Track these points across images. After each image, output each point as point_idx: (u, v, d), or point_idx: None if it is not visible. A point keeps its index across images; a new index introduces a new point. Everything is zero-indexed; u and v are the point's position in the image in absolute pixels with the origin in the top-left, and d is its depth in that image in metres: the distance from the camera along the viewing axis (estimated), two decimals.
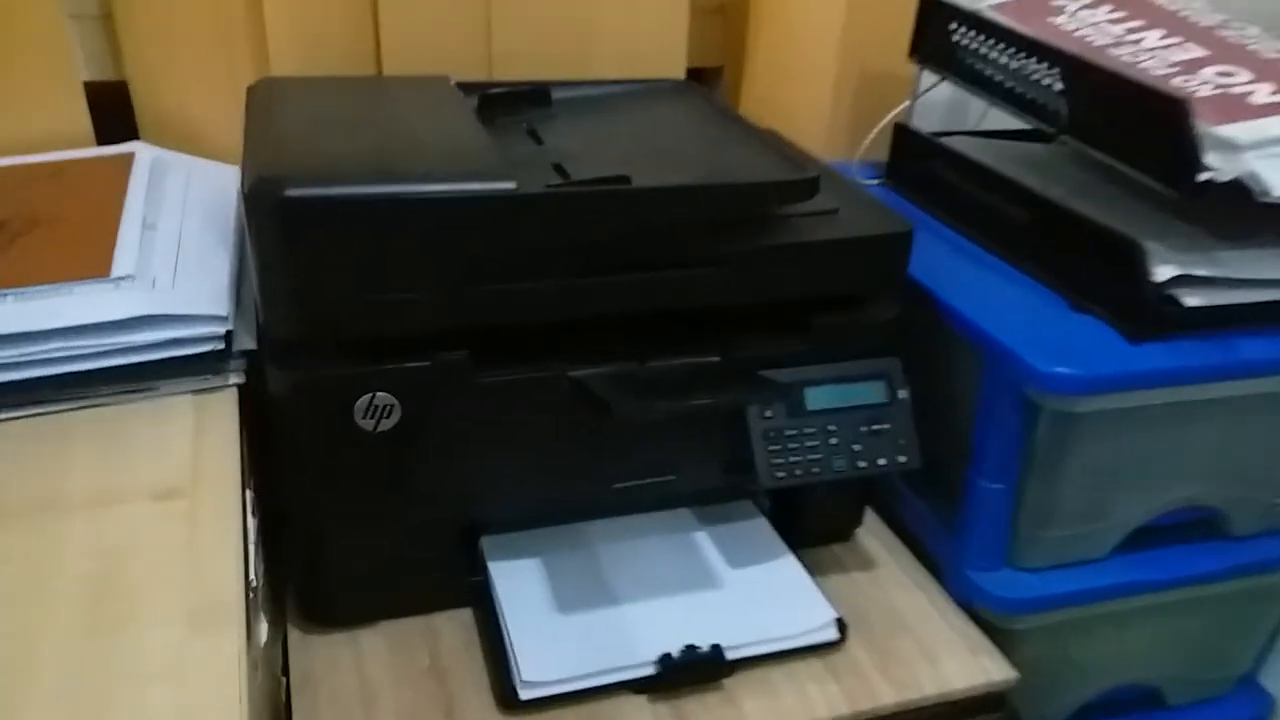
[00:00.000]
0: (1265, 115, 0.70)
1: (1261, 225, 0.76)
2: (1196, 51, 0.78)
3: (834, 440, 0.73)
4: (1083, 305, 0.76)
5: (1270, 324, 0.74)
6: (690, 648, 0.70)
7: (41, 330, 0.64)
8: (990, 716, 0.76)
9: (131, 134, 0.92)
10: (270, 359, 0.65)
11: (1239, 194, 0.68)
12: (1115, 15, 0.84)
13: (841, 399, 0.73)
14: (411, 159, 0.66)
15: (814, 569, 0.79)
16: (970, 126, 1.01)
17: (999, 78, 0.83)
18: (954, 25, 0.88)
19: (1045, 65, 0.78)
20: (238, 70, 0.92)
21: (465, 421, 0.68)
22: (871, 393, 0.74)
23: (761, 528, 0.82)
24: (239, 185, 0.61)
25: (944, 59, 0.90)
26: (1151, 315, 0.72)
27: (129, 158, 0.85)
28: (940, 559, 0.83)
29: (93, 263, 0.69)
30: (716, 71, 1.15)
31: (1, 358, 0.64)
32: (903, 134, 0.95)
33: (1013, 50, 0.81)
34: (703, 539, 0.80)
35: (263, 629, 0.65)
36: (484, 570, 0.76)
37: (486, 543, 0.77)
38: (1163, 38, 0.80)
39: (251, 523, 0.65)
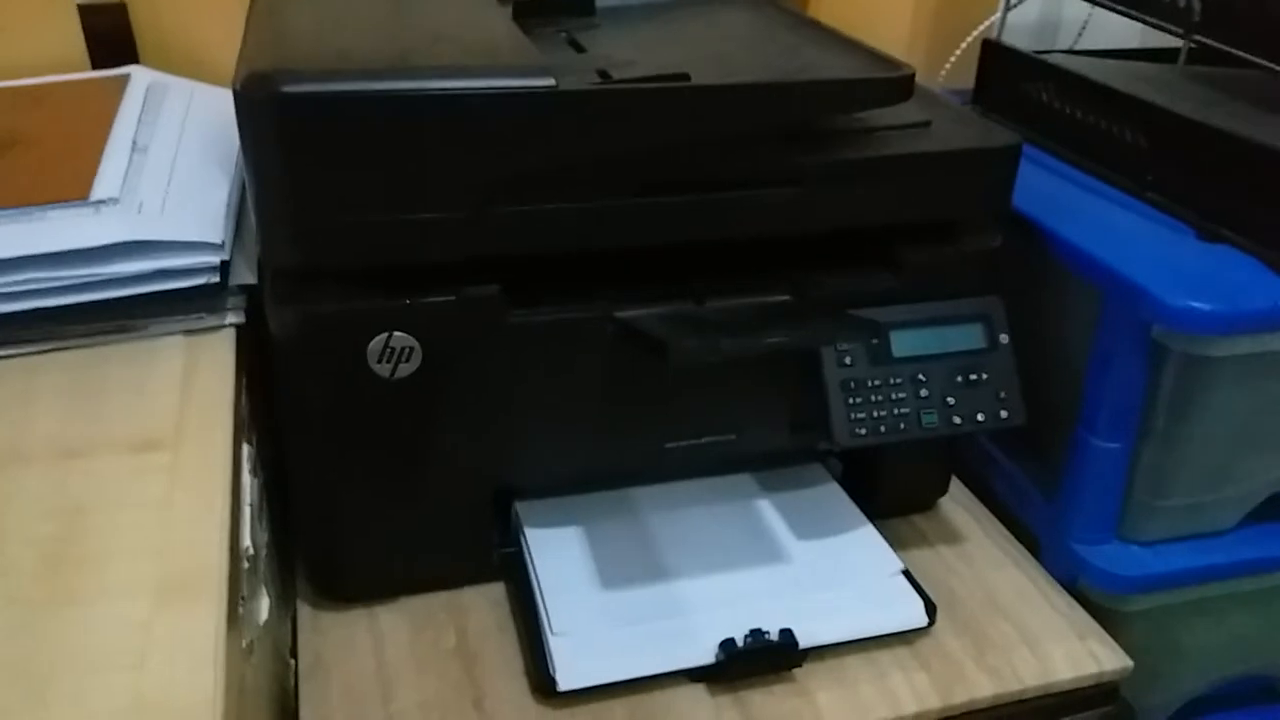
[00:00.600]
0: None
1: None
2: None
3: (924, 392, 0.63)
4: (1216, 234, 0.66)
5: None
6: (757, 632, 0.60)
7: (6, 259, 0.55)
8: (1101, 710, 0.66)
9: (131, 59, 0.83)
10: (269, 293, 0.56)
11: None
12: None
13: (933, 344, 0.63)
14: (432, 53, 0.56)
15: (894, 543, 0.69)
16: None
17: None
18: None
19: None
20: None
21: (496, 367, 0.59)
22: (968, 337, 0.64)
23: (835, 494, 0.72)
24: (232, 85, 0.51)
25: None
26: None
27: (123, 80, 0.76)
28: (1038, 531, 0.73)
29: (71, 185, 0.60)
30: None
31: None
32: (993, 51, 0.84)
33: None
34: (767, 508, 0.71)
35: (264, 605, 0.56)
36: (518, 540, 0.66)
37: (521, 509, 0.68)
38: None
39: (250, 482, 0.56)
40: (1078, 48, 0.89)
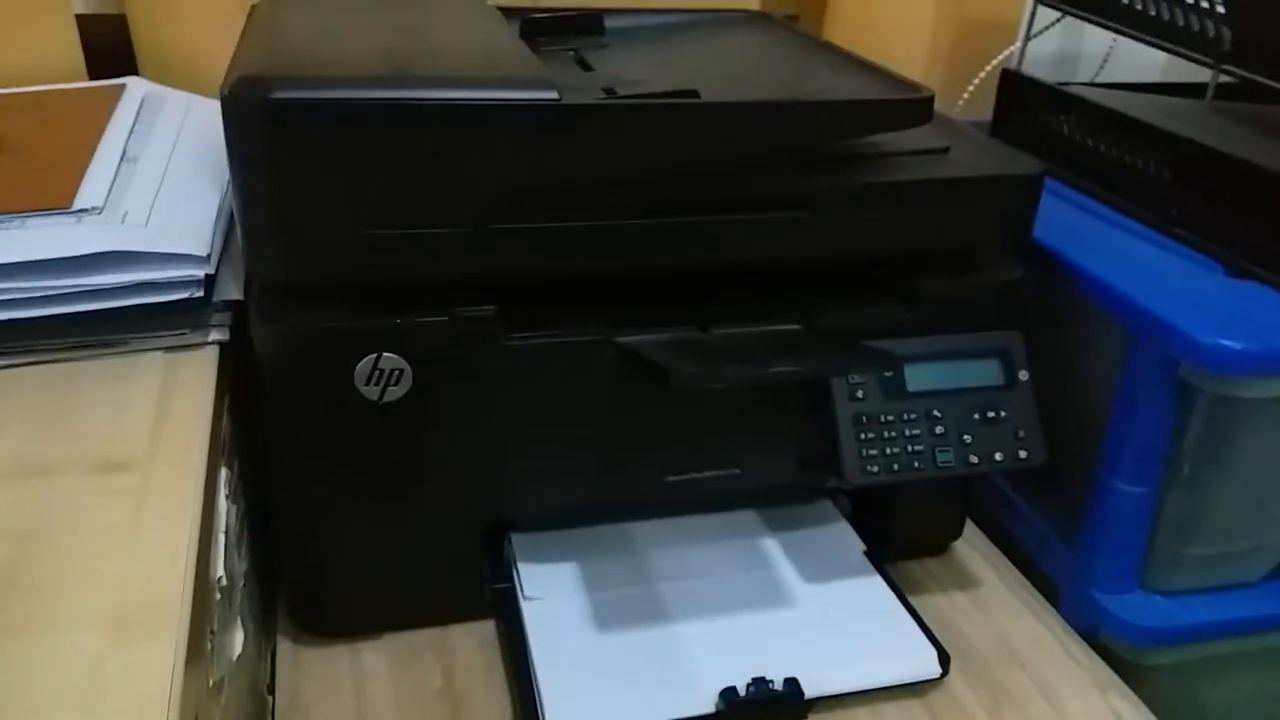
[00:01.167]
0: None
1: None
2: None
3: (940, 429, 0.60)
4: (1246, 270, 0.63)
5: None
6: (760, 681, 0.57)
7: None
8: None
9: (130, 71, 0.81)
10: (254, 308, 0.54)
11: None
12: None
13: (950, 379, 0.60)
14: (431, 63, 0.54)
15: (906, 588, 0.65)
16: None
17: (1138, 3, 0.69)
18: None
19: None
20: (244, 1, 0.82)
21: (490, 392, 0.56)
22: (987, 373, 0.61)
23: (844, 533, 0.69)
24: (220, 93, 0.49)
25: None
26: None
27: (118, 90, 0.74)
28: (1057, 578, 0.70)
29: (54, 194, 0.58)
30: (790, 20, 1.03)
31: None
32: (1013, 82, 0.81)
33: None
34: (772, 547, 0.67)
35: (237, 639, 0.53)
36: (510, 576, 0.63)
37: (514, 543, 0.65)
38: None
39: (226, 508, 0.53)
40: (1098, 81, 0.87)
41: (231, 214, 0.65)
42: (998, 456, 0.60)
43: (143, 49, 0.83)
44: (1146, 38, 0.69)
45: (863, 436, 0.59)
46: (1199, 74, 0.72)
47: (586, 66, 0.65)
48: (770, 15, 0.78)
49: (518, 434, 0.58)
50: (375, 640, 0.62)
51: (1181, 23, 0.66)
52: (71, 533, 0.43)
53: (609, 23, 0.73)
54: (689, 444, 0.61)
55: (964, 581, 0.70)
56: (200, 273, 0.56)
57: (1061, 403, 0.65)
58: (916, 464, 0.59)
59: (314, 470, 0.56)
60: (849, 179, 0.57)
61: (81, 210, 0.57)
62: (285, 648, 0.62)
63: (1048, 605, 0.69)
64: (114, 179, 0.61)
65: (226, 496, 0.54)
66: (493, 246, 0.52)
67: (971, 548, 0.73)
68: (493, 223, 0.52)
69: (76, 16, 0.81)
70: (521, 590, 0.62)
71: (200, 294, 0.57)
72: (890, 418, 0.60)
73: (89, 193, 0.59)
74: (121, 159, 0.64)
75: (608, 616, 0.61)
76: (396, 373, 0.54)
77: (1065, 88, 0.80)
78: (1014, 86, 0.82)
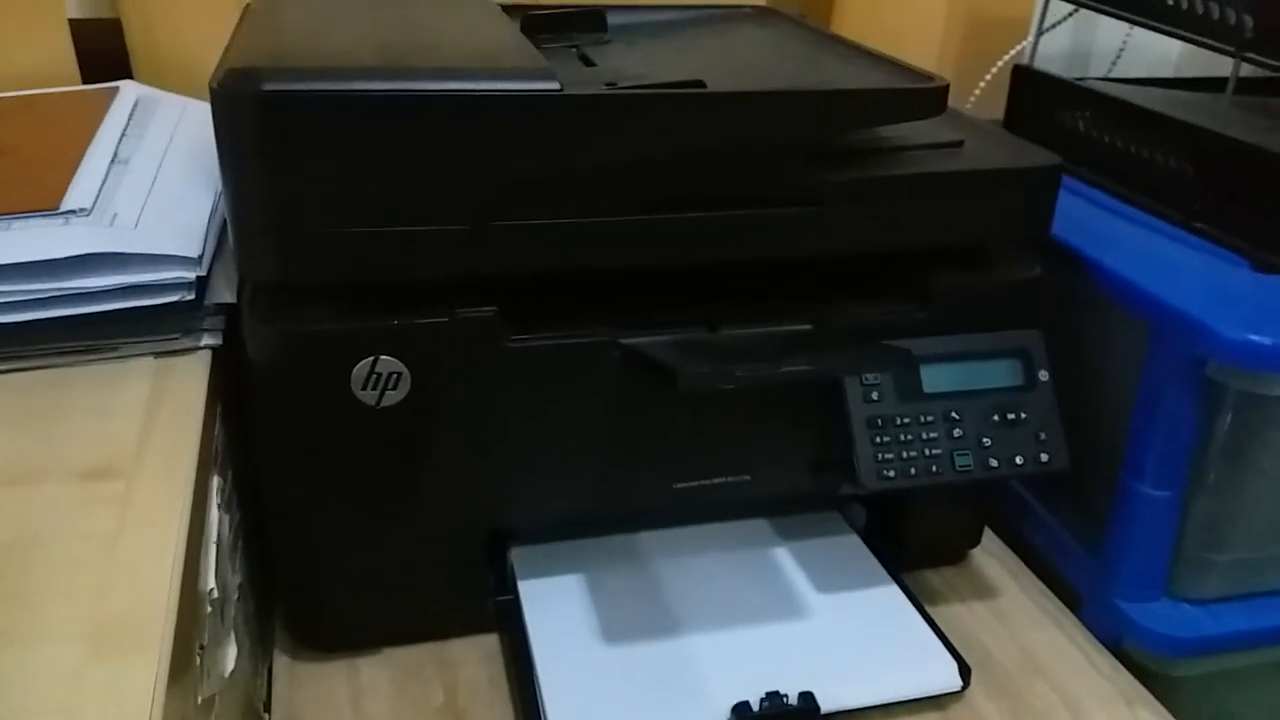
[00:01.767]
0: None
1: None
2: None
3: (957, 432, 0.58)
4: (1272, 265, 0.61)
5: None
6: (774, 695, 0.54)
7: None
8: None
9: (125, 75, 0.80)
10: (246, 310, 0.52)
11: None
12: None
13: (968, 380, 0.58)
14: (427, 55, 0.52)
15: (923, 598, 0.63)
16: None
17: None
18: None
19: None
20: (240, 4, 0.80)
21: (491, 396, 0.54)
22: (1006, 373, 0.59)
23: (854, 545, 0.67)
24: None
25: None
26: None
27: (111, 93, 0.72)
28: (1080, 586, 0.68)
29: (42, 196, 0.56)
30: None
31: None
32: (1025, 77, 0.80)
33: None
34: (784, 556, 0.65)
35: (230, 654, 0.51)
36: (514, 588, 0.61)
37: (516, 555, 0.63)
38: None
39: (218, 517, 0.51)
40: (1111, 76, 0.85)
41: (224, 215, 0.63)
42: (1018, 460, 0.58)
43: (137, 53, 0.81)
44: (1164, 27, 0.67)
45: (878, 440, 0.57)
46: (1214, 69, 0.71)
47: (589, 62, 0.63)
48: (777, 10, 0.76)
49: (520, 439, 0.56)
50: (374, 655, 0.60)
51: (1201, 11, 0.64)
52: (54, 542, 0.41)
53: (612, 19, 0.71)
54: (698, 450, 0.59)
55: (983, 591, 0.68)
56: (191, 275, 0.54)
57: (1083, 404, 0.63)
58: (934, 468, 0.57)
59: (309, 478, 0.54)
60: (861, 173, 0.55)
61: (69, 211, 0.55)
62: (282, 663, 0.60)
63: (1070, 615, 0.67)
64: (104, 181, 0.59)
65: (219, 506, 0.52)
66: (493, 244, 0.50)
67: (990, 555, 0.71)
68: (493, 220, 0.50)
69: (70, 20, 0.80)
70: (525, 603, 0.60)
71: (191, 297, 0.55)
72: (906, 420, 0.57)
73: (77, 194, 0.57)
74: (112, 161, 0.62)
75: (615, 630, 0.59)
76: (394, 376, 0.52)
77: (1081, 83, 0.78)
78: (1027, 82, 0.80)
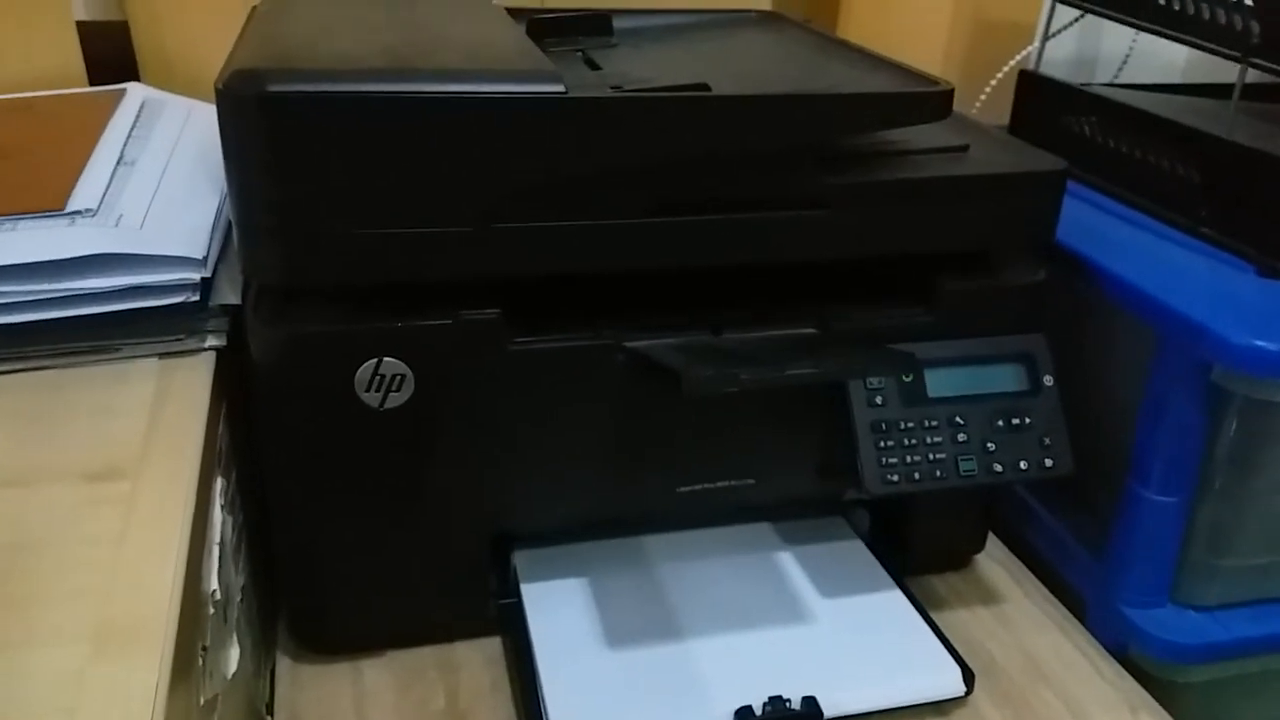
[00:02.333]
0: None
1: None
2: None
3: (962, 437, 0.58)
4: (1278, 270, 0.61)
5: None
6: (776, 700, 0.54)
7: None
8: None
9: (132, 78, 0.80)
10: (250, 312, 0.52)
11: None
12: None
13: (972, 385, 0.58)
14: (433, 58, 0.52)
15: (927, 603, 0.63)
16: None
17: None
18: None
19: None
20: (247, 7, 0.81)
21: (494, 398, 0.54)
22: (1010, 378, 0.59)
23: (858, 550, 0.66)
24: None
25: None
26: None
27: (118, 95, 0.73)
28: (1084, 592, 0.67)
29: (47, 196, 0.57)
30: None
31: None
32: (1031, 82, 0.79)
33: None
34: (788, 561, 0.65)
35: (232, 655, 0.51)
36: (517, 591, 0.61)
37: (519, 558, 0.63)
38: None
39: (222, 519, 0.51)
40: (1117, 82, 0.85)
41: (229, 217, 0.63)
42: (1023, 465, 0.58)
43: (143, 55, 0.81)
44: (1170, 33, 0.67)
45: (882, 444, 0.57)
46: (1220, 76, 0.71)
47: (594, 66, 0.63)
48: (782, 15, 0.76)
49: (524, 442, 0.56)
50: (377, 658, 0.60)
51: (1207, 17, 0.64)
52: (57, 543, 0.41)
53: (617, 23, 0.71)
54: (701, 453, 0.59)
55: (987, 596, 0.68)
56: (196, 276, 0.55)
57: (1087, 409, 0.62)
58: (938, 473, 0.57)
59: (312, 480, 0.54)
60: (866, 177, 0.55)
61: (75, 212, 0.55)
62: (285, 665, 0.60)
63: (1075, 621, 0.66)
64: (110, 182, 0.59)
65: (222, 507, 0.52)
66: (497, 246, 0.50)
67: (994, 561, 0.71)
68: (497, 222, 0.50)
69: (77, 23, 0.80)
70: (528, 606, 0.60)
71: (196, 298, 0.55)
72: (910, 425, 0.57)
73: (83, 195, 0.57)
74: (118, 162, 0.62)
75: (618, 633, 0.59)
76: (398, 378, 0.52)
77: (1086, 88, 0.78)
78: (1032, 87, 0.80)
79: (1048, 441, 0.59)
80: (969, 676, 0.58)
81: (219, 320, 0.56)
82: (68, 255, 0.52)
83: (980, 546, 0.69)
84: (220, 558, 0.50)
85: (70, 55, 0.79)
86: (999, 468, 0.58)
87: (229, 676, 0.49)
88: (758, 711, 0.54)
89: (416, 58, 0.51)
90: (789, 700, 0.54)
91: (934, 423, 0.58)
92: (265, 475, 0.56)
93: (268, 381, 0.53)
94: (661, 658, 0.57)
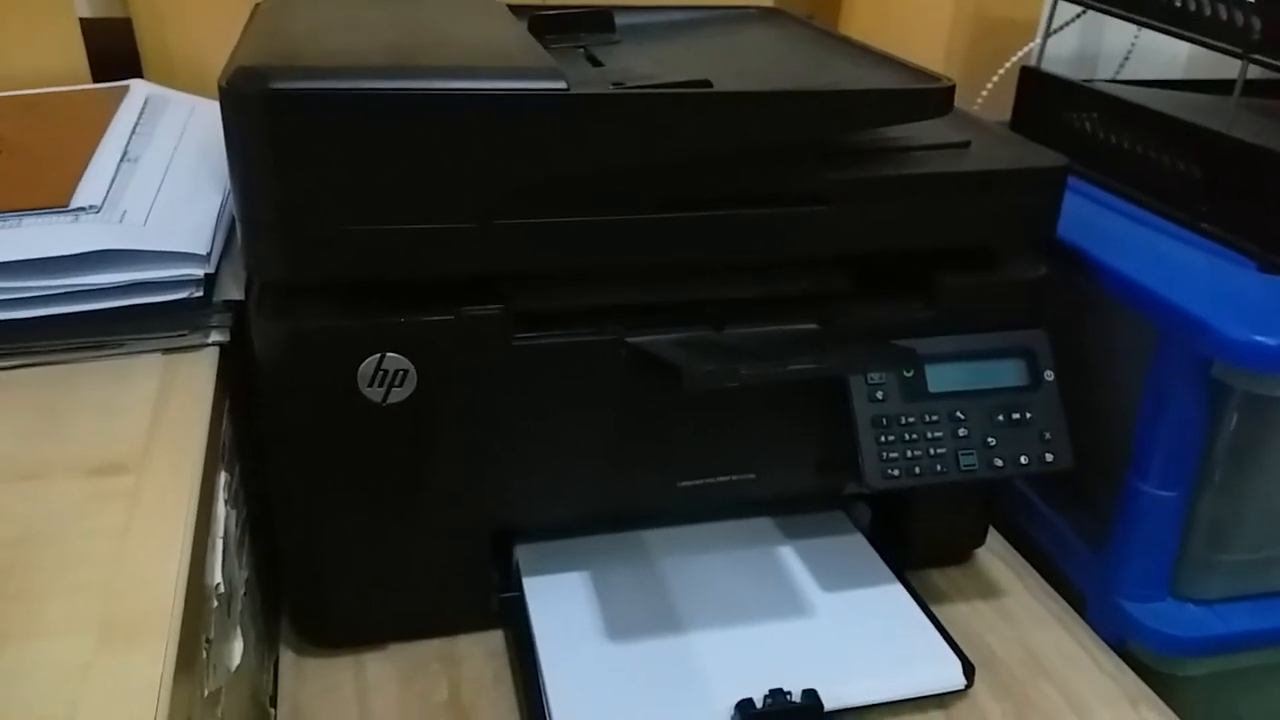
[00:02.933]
0: None
1: None
2: None
3: (962, 431, 0.58)
4: (1278, 266, 0.61)
5: None
6: (777, 693, 0.54)
7: None
8: None
9: (135, 74, 0.80)
10: (253, 307, 0.52)
11: None
12: None
13: (973, 380, 0.59)
14: (435, 55, 0.52)
15: (927, 597, 0.63)
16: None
17: None
18: None
19: None
20: (250, 4, 0.81)
21: (497, 394, 0.54)
22: (1010, 373, 0.59)
23: (859, 544, 0.67)
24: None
25: None
26: None
27: (121, 91, 0.73)
28: (1084, 586, 0.68)
29: (52, 193, 0.57)
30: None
31: None
32: (1033, 79, 0.79)
33: None
34: (788, 555, 0.65)
35: (236, 648, 0.51)
36: (519, 585, 0.61)
37: (521, 552, 0.63)
38: None
39: (226, 513, 0.52)
40: (1119, 79, 0.85)
41: (233, 213, 0.63)
42: (1023, 459, 0.58)
43: (147, 52, 0.82)
44: (1172, 29, 0.67)
45: (883, 439, 0.57)
46: (1222, 72, 0.71)
47: (596, 62, 0.63)
48: (784, 11, 0.76)
49: (526, 437, 0.56)
50: (380, 651, 0.60)
51: (1209, 13, 0.64)
52: (62, 537, 0.41)
53: (619, 20, 0.71)
54: (703, 448, 0.59)
55: (988, 590, 0.68)
56: (199, 272, 0.55)
57: (1088, 404, 0.63)
58: (939, 467, 0.57)
59: (315, 475, 0.55)
60: (868, 173, 0.55)
61: (79, 209, 0.56)
62: (288, 658, 0.60)
63: (1075, 614, 0.67)
64: (113, 178, 0.60)
65: (226, 501, 0.52)
66: (499, 243, 0.51)
67: (995, 555, 0.71)
68: (499, 218, 0.50)
69: (81, 20, 0.80)
70: (530, 599, 0.60)
71: (199, 294, 0.55)
72: (911, 419, 0.58)
73: (87, 192, 0.57)
74: (122, 159, 0.62)
75: (620, 627, 0.59)
76: (401, 374, 0.52)
77: (1088, 84, 0.78)
78: (1034, 84, 0.80)
79: (1048, 436, 0.59)
80: (969, 669, 0.58)
81: (222, 316, 0.57)
82: (72, 251, 0.52)
83: (980, 541, 0.70)
84: (224, 551, 0.50)
85: (73, 52, 0.79)
86: (999, 462, 0.58)
87: (232, 669, 0.50)
88: (759, 704, 0.54)
89: (419, 55, 0.52)
90: (790, 693, 0.55)
91: (934, 417, 0.58)
92: (268, 470, 0.56)
93: (271, 377, 0.53)
94: (663, 651, 0.58)
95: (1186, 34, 0.66)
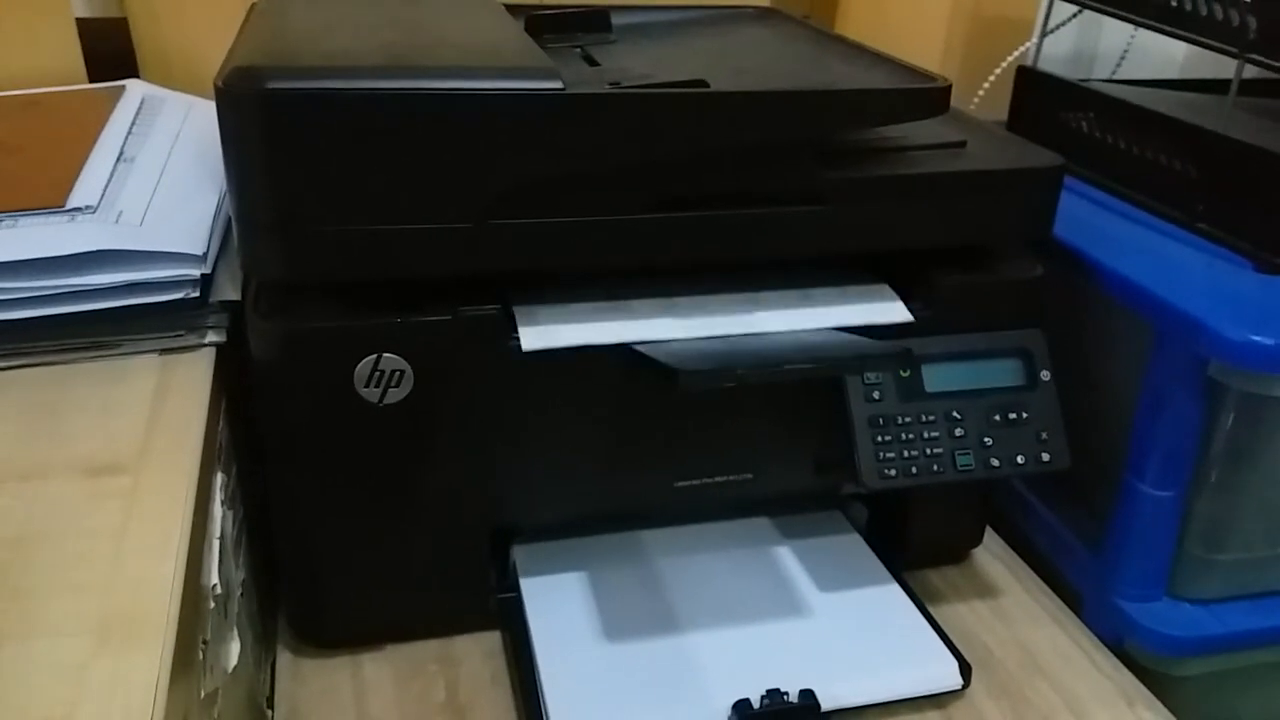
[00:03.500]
0: None
1: None
2: None
3: (959, 431, 0.58)
4: (1274, 265, 0.61)
5: None
6: (774, 693, 0.55)
7: None
8: None
9: (132, 74, 0.80)
10: (249, 308, 0.52)
11: None
12: None
13: (969, 379, 0.59)
14: (431, 54, 0.52)
15: (924, 597, 0.63)
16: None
17: None
18: None
19: None
20: (246, 3, 0.81)
21: (494, 394, 0.54)
22: (1007, 373, 0.59)
23: (856, 544, 0.67)
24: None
25: None
26: None
27: (117, 91, 0.73)
28: (1081, 586, 0.68)
29: (47, 193, 0.57)
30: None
31: None
32: (1029, 79, 0.79)
33: None
34: (785, 556, 0.65)
35: (233, 649, 0.51)
36: (516, 585, 0.61)
37: (519, 552, 0.63)
38: None
39: (222, 514, 0.51)
40: (1115, 78, 0.85)
41: (229, 213, 0.63)
42: (1019, 459, 0.58)
43: (143, 51, 0.81)
44: (1167, 29, 0.67)
45: (879, 439, 0.57)
46: (1219, 71, 0.71)
47: (593, 62, 0.63)
48: (780, 10, 0.76)
49: (523, 437, 0.56)
50: (377, 651, 0.60)
51: (1205, 13, 0.64)
52: (59, 537, 0.41)
53: (616, 19, 0.71)
54: (700, 448, 0.60)
55: (985, 590, 0.68)
56: (196, 272, 0.55)
57: (1084, 404, 0.63)
58: (935, 467, 0.58)
59: (312, 475, 0.55)
60: (864, 172, 0.55)
61: (75, 209, 0.56)
62: (285, 659, 0.60)
63: (1071, 614, 0.67)
64: (109, 178, 0.60)
65: (223, 502, 0.52)
66: (496, 243, 0.51)
67: (992, 555, 0.71)
68: (495, 218, 0.50)
69: (77, 20, 0.80)
70: (527, 600, 0.60)
71: (196, 294, 0.55)
72: (908, 419, 0.58)
73: (83, 192, 0.57)
74: (118, 159, 0.62)
75: (617, 627, 0.59)
76: (397, 374, 0.52)
77: (1084, 84, 0.78)
78: (1030, 83, 0.80)
79: (1044, 436, 0.59)
80: (966, 669, 0.58)
81: (219, 316, 0.57)
82: (68, 252, 0.52)
83: (977, 541, 0.70)
84: (221, 552, 0.50)
85: (70, 52, 0.79)
86: (996, 462, 0.58)
87: (229, 670, 0.50)
88: (755, 704, 0.54)
89: (415, 54, 0.52)
90: (787, 693, 0.55)
91: (931, 417, 0.58)
92: (265, 470, 0.56)
93: (268, 377, 0.53)
94: (660, 651, 0.58)
95: (1182, 34, 0.67)
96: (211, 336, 0.56)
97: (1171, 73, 0.95)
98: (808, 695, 0.55)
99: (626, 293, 0.56)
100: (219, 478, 0.52)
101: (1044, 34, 0.80)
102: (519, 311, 0.54)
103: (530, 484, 0.58)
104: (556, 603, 0.60)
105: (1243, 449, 0.60)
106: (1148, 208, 0.69)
